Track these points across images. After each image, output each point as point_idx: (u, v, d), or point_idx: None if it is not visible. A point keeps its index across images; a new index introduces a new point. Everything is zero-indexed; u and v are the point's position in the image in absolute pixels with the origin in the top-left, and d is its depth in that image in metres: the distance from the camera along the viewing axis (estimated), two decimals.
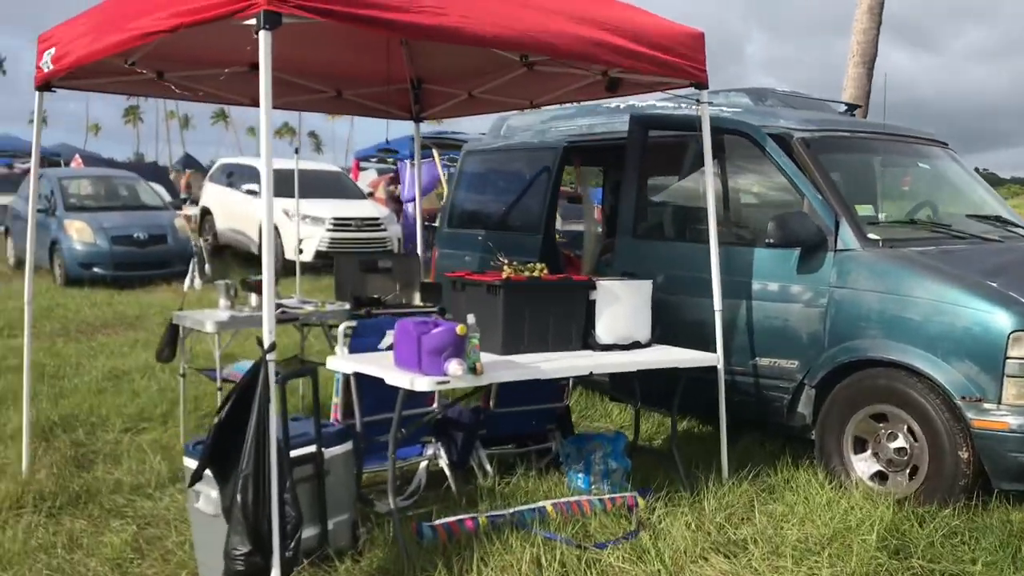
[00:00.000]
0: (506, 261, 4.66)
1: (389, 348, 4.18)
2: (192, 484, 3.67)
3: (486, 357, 3.97)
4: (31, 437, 5.14)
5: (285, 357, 6.68)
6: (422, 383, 3.67)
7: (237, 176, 16.86)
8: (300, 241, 14.49)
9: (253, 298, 5.63)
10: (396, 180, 17.41)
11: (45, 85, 4.81)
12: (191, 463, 3.91)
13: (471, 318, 3.80)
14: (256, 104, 6.08)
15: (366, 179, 20.15)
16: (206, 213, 17.51)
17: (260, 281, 5.70)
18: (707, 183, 4.94)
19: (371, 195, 17.72)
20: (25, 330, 5.21)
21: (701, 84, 4.73)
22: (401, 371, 3.80)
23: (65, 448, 5.47)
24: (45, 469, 5.05)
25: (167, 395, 6.63)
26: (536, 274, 4.59)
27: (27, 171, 23.47)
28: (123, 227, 13.35)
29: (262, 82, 3.26)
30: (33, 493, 4.69)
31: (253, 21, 3.27)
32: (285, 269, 14.11)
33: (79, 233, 13.05)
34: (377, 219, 15.18)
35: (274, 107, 6.34)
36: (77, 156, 24.02)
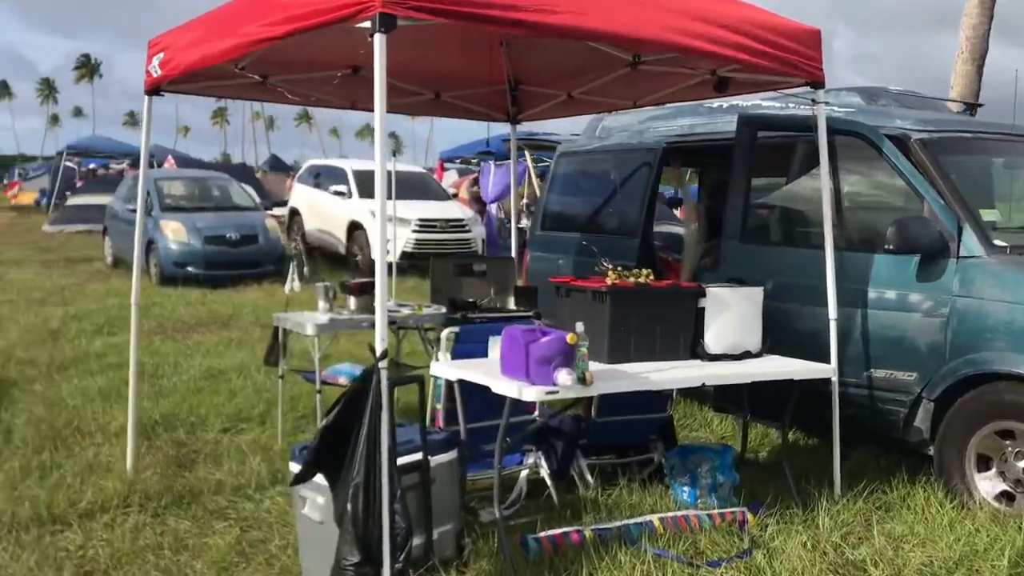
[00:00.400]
0: (610, 266, 4.54)
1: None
2: (294, 484, 3.65)
3: (593, 366, 3.85)
4: (135, 436, 5.23)
5: None
6: (530, 393, 3.58)
7: (324, 177, 17.08)
8: (389, 242, 14.69)
9: (352, 301, 5.62)
10: (478, 181, 17.42)
11: (154, 89, 4.86)
12: (296, 468, 3.90)
13: (580, 326, 3.69)
14: (356, 107, 6.17)
15: (447, 180, 20.25)
16: (294, 214, 17.80)
17: (358, 283, 5.72)
18: (823, 185, 4.73)
19: (455, 196, 17.78)
20: (132, 331, 5.30)
21: (817, 83, 4.54)
22: (508, 380, 3.70)
23: (167, 447, 5.54)
24: (150, 468, 5.13)
25: (263, 395, 6.69)
26: (643, 280, 4.46)
27: (122, 172, 24.34)
28: (216, 227, 13.63)
29: (376, 86, 3.21)
30: (139, 492, 4.75)
31: (367, 24, 3.22)
32: (371, 270, 14.28)
33: (174, 233, 13.37)
34: (462, 220, 15.19)
35: (364, 109, 6.44)
36: (170, 157, 24.67)
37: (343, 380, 5.72)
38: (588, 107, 6.15)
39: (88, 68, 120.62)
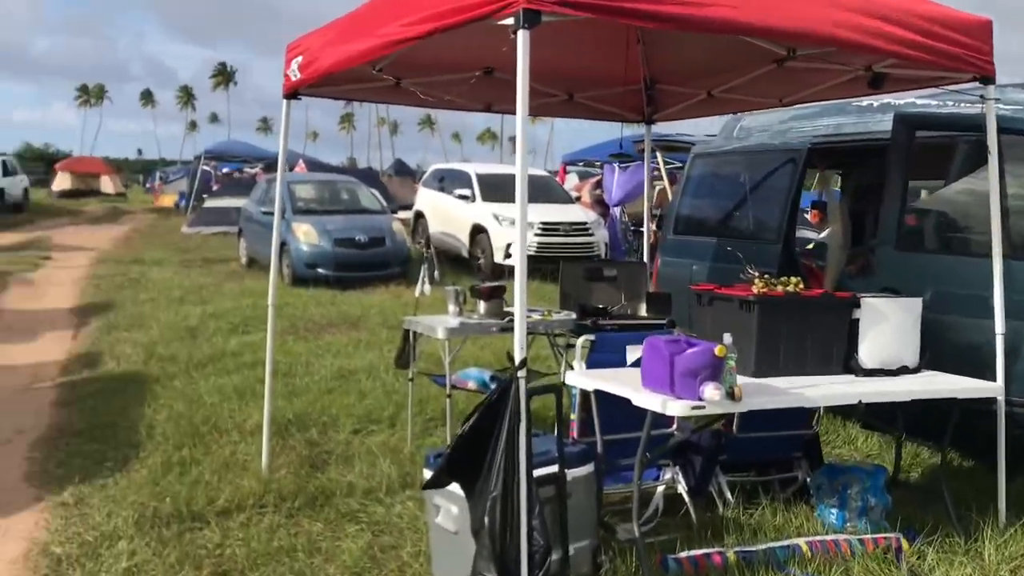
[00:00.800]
0: (756, 273, 4.30)
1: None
2: (426, 488, 3.58)
3: (739, 379, 3.64)
4: (270, 435, 5.30)
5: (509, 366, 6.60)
6: (675, 407, 3.40)
7: (448, 181, 17.25)
8: (512, 245, 14.66)
9: (482, 305, 5.54)
10: (600, 183, 17.21)
11: (292, 93, 4.90)
12: (430, 475, 3.83)
13: (728, 338, 3.49)
14: (491, 109, 6.10)
15: (569, 183, 20.10)
16: (419, 217, 18.03)
17: (488, 288, 5.64)
18: (991, 189, 4.36)
19: (577, 199, 17.63)
20: (268, 332, 5.36)
21: (988, 78, 4.18)
22: (651, 392, 3.54)
23: (300, 447, 5.60)
24: (284, 468, 5.18)
25: (392, 397, 6.71)
26: (792, 288, 4.21)
27: (255, 175, 25.20)
28: (345, 230, 13.89)
29: (519, 85, 3.10)
30: (273, 492, 4.80)
31: (510, 21, 3.11)
32: (493, 273, 14.29)
33: (306, 235, 13.69)
34: (585, 223, 15.04)
35: (499, 111, 6.38)
36: (301, 161, 25.41)
37: (472, 385, 5.66)
38: (729, 106, 5.90)
39: (224, 76, 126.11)
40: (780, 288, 4.22)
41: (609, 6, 3.13)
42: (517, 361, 3.09)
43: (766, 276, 4.29)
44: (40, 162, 55.89)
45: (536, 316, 5.64)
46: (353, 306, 11.34)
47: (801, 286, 4.29)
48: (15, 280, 14.05)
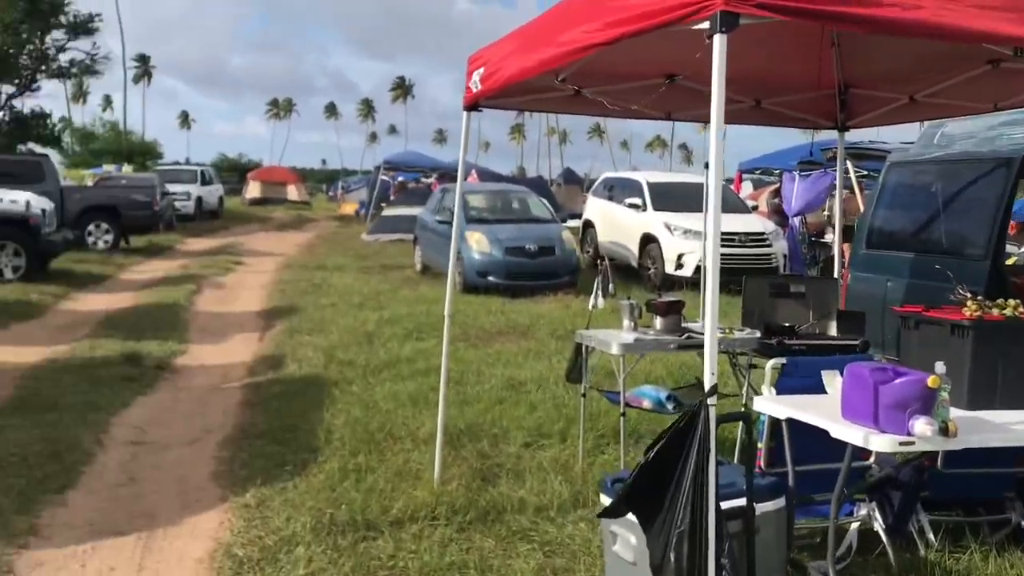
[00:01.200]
0: (969, 294, 3.90)
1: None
2: (602, 516, 3.44)
3: (952, 412, 3.29)
4: (442, 445, 5.29)
5: (687, 384, 6.35)
6: (880, 442, 3.10)
7: (618, 189, 17.05)
8: (685, 256, 14.31)
9: (658, 320, 5.33)
10: (779, 192, 16.53)
11: (473, 105, 4.87)
12: (607, 501, 3.68)
13: (941, 367, 3.16)
14: (671, 117, 5.89)
15: (744, 192, 19.45)
16: (587, 226, 17.92)
17: (665, 303, 5.42)
18: None
19: (754, 208, 17.02)
20: (444, 342, 5.37)
21: None
22: (851, 424, 3.24)
23: (472, 459, 5.56)
24: (455, 480, 5.15)
25: (562, 411, 6.59)
26: (1011, 312, 3.79)
27: (431, 185, 25.86)
28: (516, 239, 13.95)
29: (715, 91, 2.89)
30: (445, 504, 4.77)
31: (705, 25, 2.92)
32: (663, 284, 13.96)
33: (478, 244, 13.85)
34: (762, 234, 14.48)
35: (680, 119, 6.16)
36: (473, 171, 25.83)
37: (647, 403, 5.46)
38: (933, 111, 5.44)
39: (403, 89, 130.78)
40: (996, 311, 3.80)
41: (813, 9, 2.87)
42: (707, 386, 2.89)
43: (979, 298, 3.88)
44: (234, 172, 59.65)
45: (717, 334, 5.37)
46: (522, 315, 11.33)
47: (1021, 309, 3.85)
48: (208, 283, 14.94)
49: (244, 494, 5.06)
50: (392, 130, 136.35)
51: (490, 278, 13.61)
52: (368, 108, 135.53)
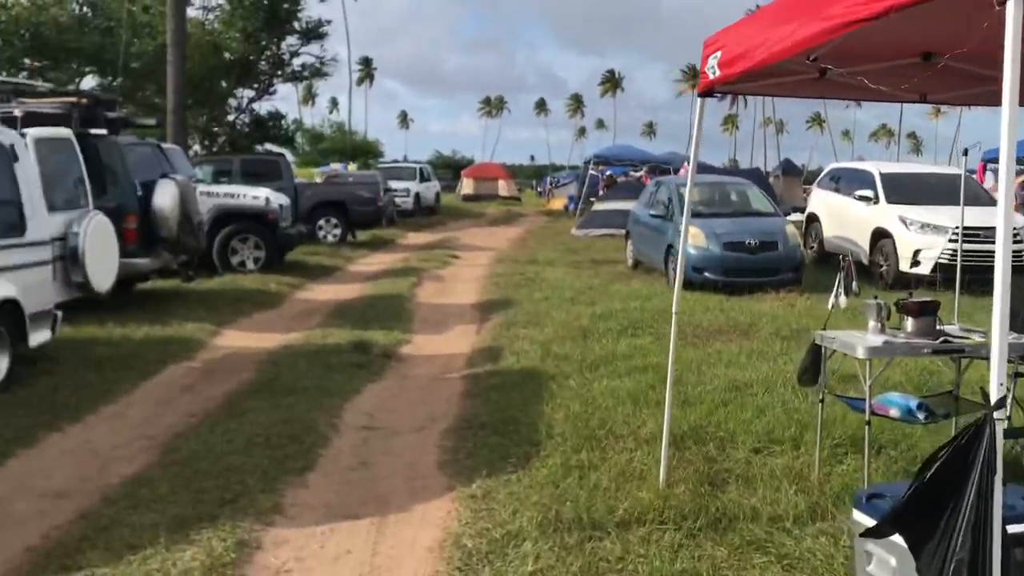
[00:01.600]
0: None
1: None
2: (865, 536, 3.15)
3: None
4: (668, 447, 5.11)
5: (936, 392, 5.83)
6: None
7: (846, 181, 16.11)
8: (922, 252, 13.29)
9: (910, 322, 4.89)
10: None
11: (708, 91, 4.65)
12: (861, 517, 3.38)
13: None
14: (925, 100, 5.37)
15: (989, 183, 17.87)
16: (812, 220, 17.06)
17: (917, 303, 4.97)
18: None
19: None
20: (671, 340, 5.19)
21: None
22: None
23: (698, 462, 5.34)
24: (681, 483, 4.96)
25: (793, 416, 6.22)
26: None
27: (641, 178, 25.61)
28: (735, 233, 13.43)
29: (1007, 65, 2.54)
30: (672, 508, 4.60)
31: None
32: (897, 282, 13.02)
33: (693, 239, 13.44)
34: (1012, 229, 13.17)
35: (935, 102, 5.63)
36: (685, 164, 25.33)
37: (894, 412, 5.02)
38: None
39: (612, 83, 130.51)
40: None
41: None
42: (994, 399, 2.55)
43: None
44: (448, 169, 61.68)
45: (977, 338, 4.87)
46: (742, 313, 10.89)
47: None
48: (428, 276, 15.44)
49: (470, 484, 5.10)
50: (600, 124, 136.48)
51: (707, 274, 13.17)
52: (577, 103, 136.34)
